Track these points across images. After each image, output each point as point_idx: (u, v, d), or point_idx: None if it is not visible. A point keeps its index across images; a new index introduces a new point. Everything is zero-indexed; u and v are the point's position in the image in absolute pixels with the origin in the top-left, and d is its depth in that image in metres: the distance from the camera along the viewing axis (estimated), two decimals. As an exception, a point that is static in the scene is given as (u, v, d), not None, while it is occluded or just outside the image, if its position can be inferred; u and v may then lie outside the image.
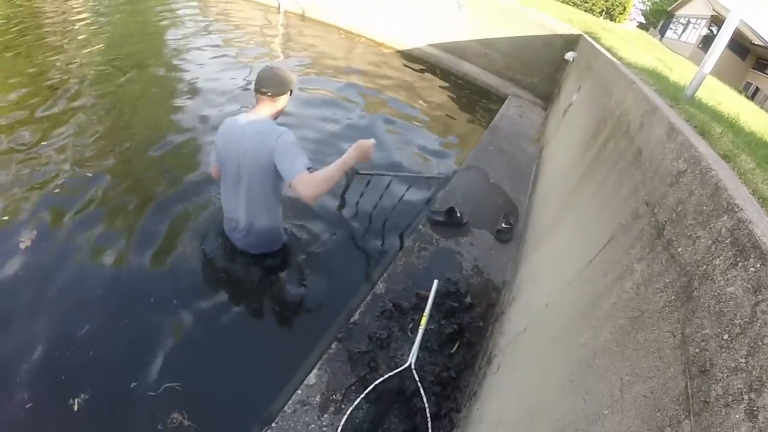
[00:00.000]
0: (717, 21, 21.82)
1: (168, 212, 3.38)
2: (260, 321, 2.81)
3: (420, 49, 10.25)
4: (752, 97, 17.94)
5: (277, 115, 2.67)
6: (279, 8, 11.31)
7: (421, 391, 2.24)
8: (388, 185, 3.94)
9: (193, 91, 5.71)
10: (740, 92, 13.47)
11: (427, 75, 9.19)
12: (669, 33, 30.53)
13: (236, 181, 2.67)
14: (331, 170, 2.44)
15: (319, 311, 2.92)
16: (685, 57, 16.86)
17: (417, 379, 2.29)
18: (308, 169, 2.41)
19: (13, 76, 5.32)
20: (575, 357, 1.43)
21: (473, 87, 9.19)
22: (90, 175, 3.68)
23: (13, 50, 6.10)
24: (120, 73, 5.84)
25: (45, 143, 4.00)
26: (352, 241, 3.57)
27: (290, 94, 2.68)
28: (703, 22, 24.17)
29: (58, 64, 5.86)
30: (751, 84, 20.40)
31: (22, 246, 2.88)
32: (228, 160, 2.64)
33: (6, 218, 3.08)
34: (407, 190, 4.14)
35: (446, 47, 10.16)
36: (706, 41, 22.55)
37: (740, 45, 20.01)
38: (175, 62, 6.74)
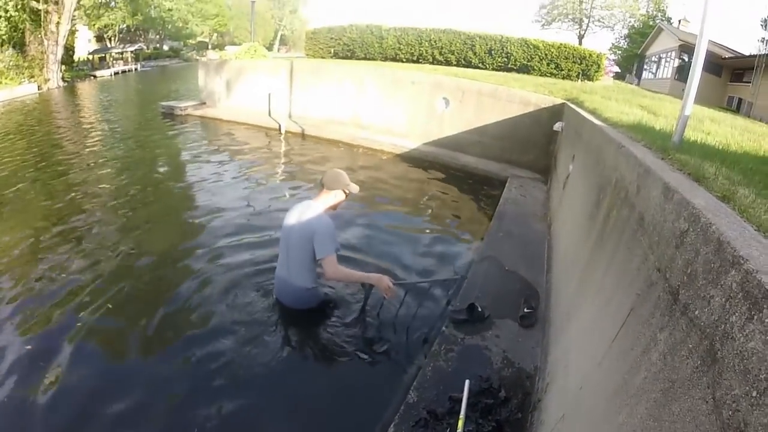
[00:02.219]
0: (686, 49, 22.50)
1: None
2: None
3: (417, 149, 10.69)
4: (737, 109, 18.15)
5: (332, 207, 3.60)
6: (280, 129, 12.00)
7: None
8: (406, 294, 3.94)
9: (205, 210, 6.32)
10: (725, 109, 13.70)
11: (427, 172, 9.51)
12: (645, 74, 31.44)
13: (284, 248, 3.60)
14: (353, 274, 3.64)
15: (352, 428, 2.83)
16: (665, 93, 17.34)
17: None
18: (337, 251, 3.44)
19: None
20: (616, 439, 1.37)
21: (474, 176, 9.45)
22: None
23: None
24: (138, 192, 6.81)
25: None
26: (378, 354, 3.51)
27: (345, 195, 3.61)
28: (674, 53, 24.93)
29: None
30: (733, 97, 20.71)
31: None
32: (286, 231, 3.57)
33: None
34: (425, 295, 4.13)
35: (441, 143, 10.60)
36: (681, 71, 23.22)
37: (713, 64, 20.57)
38: (186, 183, 7.43)
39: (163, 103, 14.55)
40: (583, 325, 2.51)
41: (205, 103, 14.54)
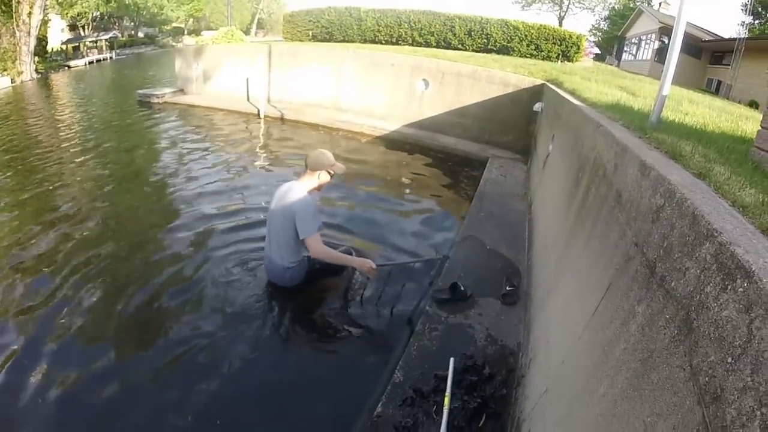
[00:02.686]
0: (666, 31, 22.54)
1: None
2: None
3: (397, 131, 10.66)
4: (716, 91, 18.46)
5: (317, 188, 3.68)
6: (259, 114, 11.87)
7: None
8: (389, 275, 3.96)
9: (186, 196, 6.27)
10: (704, 91, 13.93)
11: (408, 154, 9.52)
12: (625, 56, 31.64)
13: (270, 229, 3.72)
14: (337, 256, 3.62)
15: (339, 408, 2.86)
16: (645, 75, 17.53)
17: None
18: (320, 230, 3.51)
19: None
20: (597, 409, 1.41)
21: (454, 157, 9.48)
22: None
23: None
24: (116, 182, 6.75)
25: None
26: (363, 334, 3.54)
27: (330, 176, 3.68)
28: (654, 36, 25.08)
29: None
30: (713, 79, 21.07)
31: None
32: (271, 212, 3.70)
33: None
34: (408, 276, 4.16)
35: (421, 124, 10.58)
36: (661, 53, 23.21)
37: (693, 47, 20.82)
38: (166, 171, 7.38)
39: (140, 92, 14.21)
40: (564, 301, 2.56)
41: (182, 90, 14.28)
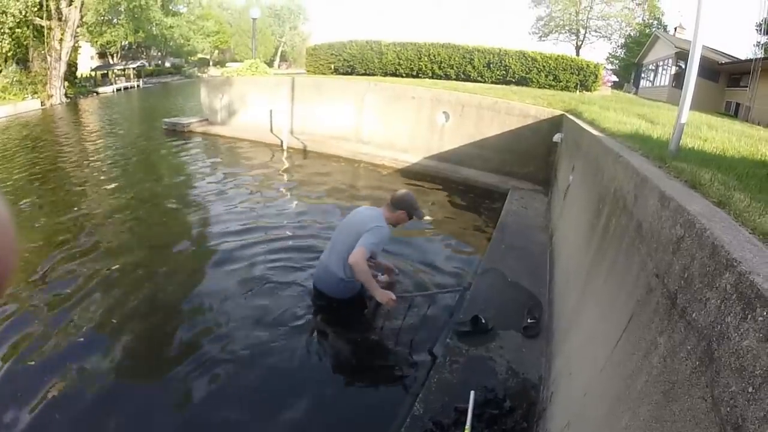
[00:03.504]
0: (682, 56, 22.37)
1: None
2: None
3: (418, 163, 10.74)
4: (736, 114, 18.18)
5: (392, 222, 3.86)
6: (282, 145, 12.07)
7: None
8: (410, 305, 3.97)
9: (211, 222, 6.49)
10: (723, 115, 13.79)
11: (429, 186, 9.54)
12: (643, 83, 31.49)
13: (335, 236, 3.92)
14: (368, 278, 3.61)
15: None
16: (664, 101, 17.40)
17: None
18: (373, 254, 3.67)
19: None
20: (620, 442, 1.39)
21: (475, 189, 9.48)
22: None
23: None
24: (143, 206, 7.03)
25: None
26: (384, 364, 3.54)
27: (408, 216, 3.84)
28: (670, 61, 24.93)
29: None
30: (731, 102, 20.82)
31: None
32: (341, 225, 3.93)
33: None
34: (429, 307, 4.15)
35: (442, 157, 10.65)
36: (678, 78, 23.08)
37: (710, 70, 20.57)
38: (191, 198, 7.73)
39: (167, 120, 14.63)
40: (586, 333, 2.54)
41: (207, 120, 14.63)
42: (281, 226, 6.19)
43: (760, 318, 0.93)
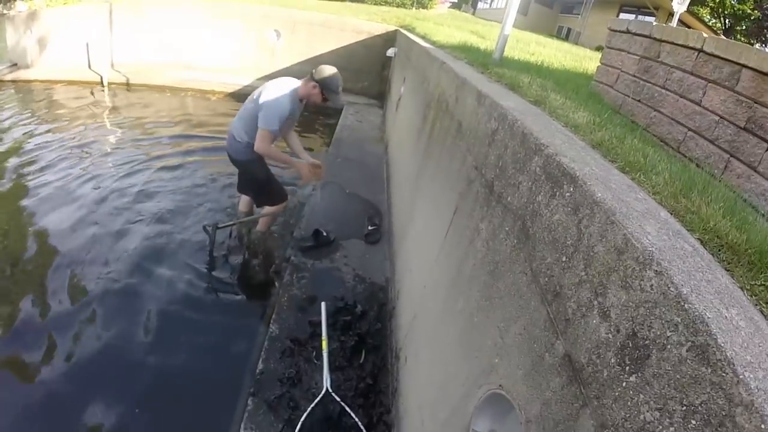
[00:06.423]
0: None
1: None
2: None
3: (250, 85, 10.06)
4: (566, 37, 20.26)
5: (302, 94, 3.61)
6: (102, 82, 10.54)
7: (347, 408, 2.22)
8: (250, 230, 3.87)
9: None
10: (555, 37, 15.17)
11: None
12: (480, 5, 32.65)
13: (243, 106, 3.73)
14: (279, 155, 3.58)
15: (220, 371, 2.78)
16: (499, 22, 18.45)
17: (338, 399, 2.27)
18: (273, 132, 3.43)
19: None
20: (459, 323, 1.51)
21: (309, 107, 9.24)
22: None
23: None
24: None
25: None
26: (232, 292, 3.44)
27: (322, 96, 3.54)
28: None
29: None
30: (563, 26, 23.11)
31: None
32: (254, 93, 3.73)
33: None
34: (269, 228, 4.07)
35: (274, 76, 10.08)
36: None
37: None
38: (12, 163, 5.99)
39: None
40: (420, 230, 2.69)
41: (16, 65, 12.06)
42: (114, 176, 5.30)
43: (567, 194, 1.02)
